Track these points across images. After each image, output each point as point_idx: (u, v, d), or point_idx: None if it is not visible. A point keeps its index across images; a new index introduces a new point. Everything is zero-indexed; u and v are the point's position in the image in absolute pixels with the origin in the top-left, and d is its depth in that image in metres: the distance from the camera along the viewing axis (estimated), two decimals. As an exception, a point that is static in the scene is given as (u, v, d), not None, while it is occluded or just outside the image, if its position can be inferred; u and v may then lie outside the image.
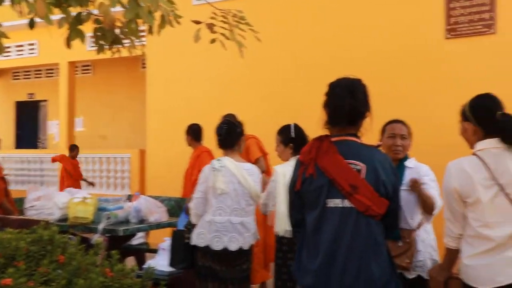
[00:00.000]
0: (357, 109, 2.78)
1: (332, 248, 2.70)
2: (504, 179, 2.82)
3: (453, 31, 7.56)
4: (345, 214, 2.70)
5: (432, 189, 3.63)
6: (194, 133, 6.97)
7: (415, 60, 7.77)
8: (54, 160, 11.29)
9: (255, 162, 6.18)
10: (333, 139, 2.79)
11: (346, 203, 2.69)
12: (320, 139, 2.80)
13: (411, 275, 3.57)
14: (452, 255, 3.15)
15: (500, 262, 2.84)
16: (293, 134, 4.49)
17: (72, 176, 11.08)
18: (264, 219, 6.24)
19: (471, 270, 2.95)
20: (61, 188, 10.32)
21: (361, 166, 2.71)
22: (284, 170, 4.32)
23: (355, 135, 2.82)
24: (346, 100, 2.76)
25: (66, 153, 11.72)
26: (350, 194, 2.67)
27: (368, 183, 2.68)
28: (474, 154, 2.96)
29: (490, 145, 2.90)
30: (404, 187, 3.59)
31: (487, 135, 2.92)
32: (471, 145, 3.03)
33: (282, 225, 4.24)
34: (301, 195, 2.83)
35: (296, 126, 4.57)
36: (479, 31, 7.42)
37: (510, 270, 2.82)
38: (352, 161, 2.71)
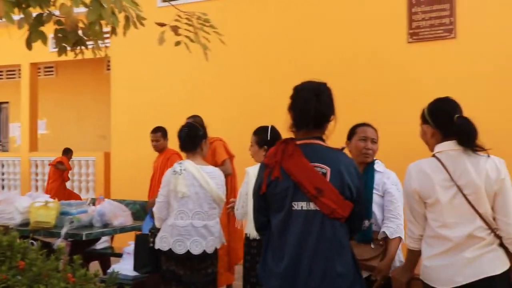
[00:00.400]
0: (322, 112, 2.80)
1: (297, 251, 2.71)
2: (462, 180, 2.86)
3: (415, 35, 7.65)
4: (310, 217, 2.70)
5: (395, 200, 3.64)
6: (166, 135, 6.99)
7: (378, 63, 7.84)
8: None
9: (222, 164, 6.17)
10: (298, 142, 2.80)
11: (311, 206, 2.70)
12: (285, 142, 2.80)
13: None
14: (413, 256, 3.18)
15: (458, 262, 2.88)
16: (269, 137, 4.45)
17: (64, 180, 10.92)
18: (227, 221, 6.23)
19: (431, 271, 2.98)
20: (63, 193, 10.25)
21: (326, 169, 2.72)
22: (255, 172, 4.28)
23: (320, 138, 2.83)
24: (312, 103, 2.77)
25: (26, 155, 11.55)
26: (315, 197, 2.68)
27: (333, 186, 2.69)
28: (433, 156, 2.99)
29: (448, 147, 2.93)
30: (375, 191, 3.62)
31: (445, 137, 2.95)
32: (431, 148, 3.06)
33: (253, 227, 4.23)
34: (266, 198, 2.82)
35: (273, 128, 4.52)
36: (440, 36, 7.52)
37: (468, 270, 2.85)
38: (318, 164, 2.72)
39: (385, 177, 3.69)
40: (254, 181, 4.20)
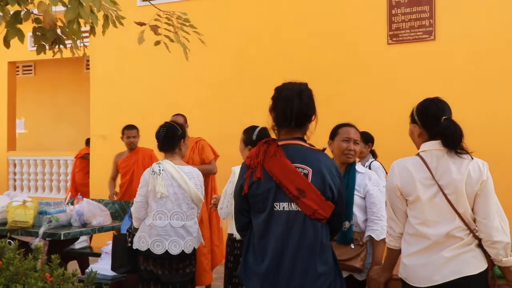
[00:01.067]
0: (304, 112, 2.80)
1: (279, 251, 2.71)
2: (444, 180, 2.88)
3: (395, 36, 7.69)
4: (292, 217, 2.71)
5: (378, 201, 3.65)
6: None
7: (358, 64, 7.87)
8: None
9: (209, 163, 6.17)
10: (280, 142, 2.80)
11: (293, 207, 2.70)
12: (267, 142, 2.80)
13: (361, 277, 3.55)
14: (393, 255, 3.19)
15: (436, 261, 2.89)
16: (254, 137, 4.41)
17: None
18: (210, 221, 6.23)
19: (409, 269, 2.99)
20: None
21: (308, 170, 2.72)
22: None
23: (302, 139, 2.84)
24: (294, 103, 2.77)
25: (4, 154, 11.41)
26: (297, 198, 2.68)
27: (314, 187, 2.70)
28: (417, 154, 3.01)
29: (433, 147, 2.95)
30: (356, 192, 3.62)
31: (431, 138, 2.98)
32: (418, 146, 3.08)
33: None
34: (248, 199, 2.82)
35: (261, 129, 4.45)
36: (419, 38, 7.57)
37: (446, 269, 2.87)
38: (299, 165, 2.72)
39: (366, 178, 3.68)
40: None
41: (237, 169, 4.29)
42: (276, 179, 2.70)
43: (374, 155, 6.11)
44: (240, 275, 2.87)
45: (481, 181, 2.87)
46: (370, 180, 3.68)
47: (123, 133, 7.30)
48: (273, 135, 2.97)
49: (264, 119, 2.95)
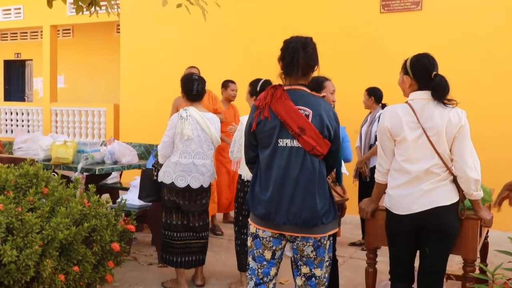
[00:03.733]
0: (308, 63, 2.77)
1: (281, 181, 2.71)
2: (428, 124, 2.89)
3: (386, 6, 7.50)
4: (294, 152, 2.70)
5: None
6: None
7: (352, 32, 7.73)
8: None
9: (220, 112, 6.13)
10: (286, 87, 2.77)
11: (295, 143, 2.69)
12: (274, 87, 2.77)
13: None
14: (380, 188, 3.22)
15: (415, 193, 2.93)
16: (258, 88, 4.37)
17: None
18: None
19: (393, 199, 3.03)
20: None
21: (308, 111, 2.70)
22: None
23: (305, 85, 2.81)
24: (299, 54, 2.74)
25: (48, 105, 11.39)
26: (298, 135, 2.67)
27: (314, 127, 2.68)
28: (406, 102, 3.01)
29: (420, 96, 2.96)
30: None
31: (420, 88, 2.98)
32: (406, 95, 3.08)
33: (247, 169, 4.22)
34: (256, 135, 2.81)
35: (264, 81, 4.41)
36: (408, 8, 7.39)
37: (423, 200, 2.91)
38: (301, 107, 2.70)
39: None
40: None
41: (244, 119, 4.28)
42: (281, 118, 2.69)
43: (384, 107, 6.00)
44: (248, 202, 2.88)
45: (459, 126, 2.87)
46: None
47: (226, 86, 6.70)
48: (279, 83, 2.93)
49: (275, 79, 2.91)
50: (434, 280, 3.06)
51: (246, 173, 4.25)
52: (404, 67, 3.07)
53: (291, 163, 2.70)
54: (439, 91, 2.90)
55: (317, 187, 2.71)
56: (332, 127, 2.76)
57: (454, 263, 4.77)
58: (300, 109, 2.70)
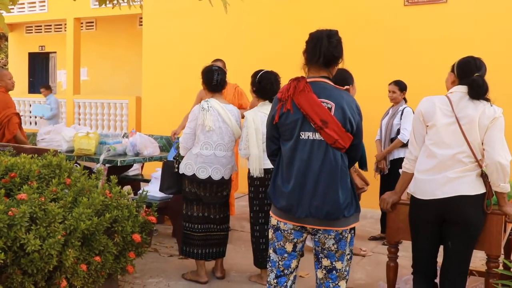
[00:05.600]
0: (331, 53, 2.73)
1: (303, 174, 2.69)
2: (461, 113, 2.93)
3: (411, -1, 7.43)
4: (316, 145, 2.68)
5: None
6: None
7: (376, 25, 7.63)
8: None
9: (244, 108, 6.05)
10: (309, 80, 2.74)
11: (317, 136, 2.67)
12: (297, 79, 2.75)
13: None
14: (405, 178, 3.22)
15: (441, 179, 2.94)
16: (256, 80, 4.31)
17: None
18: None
19: (418, 183, 3.05)
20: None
21: (331, 104, 2.68)
22: (252, 116, 4.23)
23: (328, 78, 2.78)
24: (323, 43, 2.72)
25: (71, 97, 11.50)
26: (320, 128, 2.64)
27: (336, 120, 2.66)
28: (445, 95, 3.06)
29: (458, 90, 3.01)
30: None
31: (460, 84, 3.03)
32: (448, 90, 3.14)
33: (255, 165, 4.20)
34: (278, 128, 2.79)
35: (265, 73, 4.32)
36: (433, 0, 7.25)
37: (446, 187, 2.92)
38: (324, 100, 2.68)
39: None
40: (251, 124, 4.17)
41: (249, 115, 4.25)
42: (303, 111, 2.67)
43: (406, 102, 5.93)
44: (269, 194, 2.86)
45: (493, 117, 2.90)
46: None
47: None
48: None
49: (296, 71, 2.88)
50: (456, 277, 3.02)
51: (254, 169, 4.22)
52: (452, 65, 3.15)
53: (313, 156, 2.68)
54: (474, 88, 2.93)
55: (339, 180, 2.68)
56: (354, 120, 2.73)
57: (477, 259, 4.71)
58: (323, 102, 2.67)
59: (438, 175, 2.94)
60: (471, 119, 2.89)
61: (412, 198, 3.09)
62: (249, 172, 4.33)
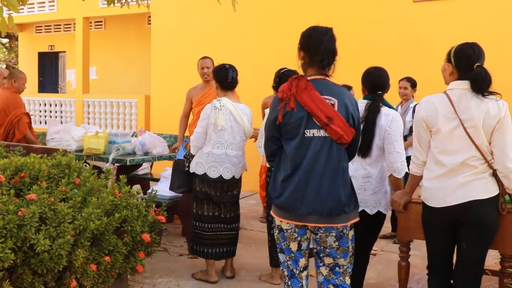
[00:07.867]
0: (330, 53, 2.75)
1: (308, 171, 2.68)
2: (465, 115, 2.80)
3: (421, -6, 7.36)
4: (320, 142, 2.68)
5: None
6: None
7: (386, 21, 7.59)
8: None
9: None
10: (309, 78, 2.75)
11: (322, 133, 2.68)
12: (297, 78, 2.75)
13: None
14: (414, 180, 3.16)
15: (451, 186, 2.84)
16: (277, 77, 4.37)
17: None
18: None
19: (427, 191, 2.96)
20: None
21: (334, 100, 2.69)
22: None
23: (327, 75, 2.79)
24: (322, 43, 2.73)
25: (80, 96, 11.51)
26: (326, 125, 2.65)
27: (340, 115, 2.68)
28: (444, 92, 2.92)
29: (458, 86, 2.86)
30: None
31: (460, 78, 2.88)
32: (447, 83, 2.99)
33: None
34: (280, 128, 2.77)
35: (287, 71, 4.38)
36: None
37: (458, 193, 2.83)
38: (327, 96, 2.69)
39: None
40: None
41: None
42: (307, 109, 2.67)
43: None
44: (270, 191, 2.85)
45: (498, 117, 2.76)
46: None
47: (199, 65, 6.26)
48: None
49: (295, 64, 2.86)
50: (471, 278, 2.97)
51: None
52: (448, 54, 2.97)
53: (318, 153, 2.68)
54: (478, 83, 2.79)
55: (341, 176, 2.71)
56: (355, 115, 2.77)
57: (490, 258, 4.64)
58: (326, 99, 2.69)
59: (448, 181, 2.84)
60: (475, 122, 2.76)
61: (424, 204, 3.02)
62: (268, 170, 4.32)
